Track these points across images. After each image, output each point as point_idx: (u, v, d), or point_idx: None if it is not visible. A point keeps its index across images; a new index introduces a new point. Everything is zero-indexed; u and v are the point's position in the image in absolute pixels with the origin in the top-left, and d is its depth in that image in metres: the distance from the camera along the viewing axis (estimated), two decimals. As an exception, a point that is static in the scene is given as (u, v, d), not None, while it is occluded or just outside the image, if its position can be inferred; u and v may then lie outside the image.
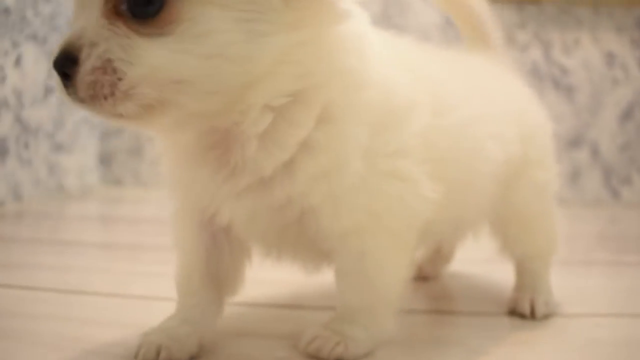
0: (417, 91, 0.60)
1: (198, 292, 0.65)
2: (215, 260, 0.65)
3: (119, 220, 1.55)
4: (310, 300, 0.83)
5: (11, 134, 1.58)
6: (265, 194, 0.55)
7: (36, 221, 1.44)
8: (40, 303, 0.79)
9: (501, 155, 0.70)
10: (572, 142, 2.00)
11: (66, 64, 0.47)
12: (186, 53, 0.46)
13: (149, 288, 0.85)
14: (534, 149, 0.77)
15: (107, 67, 0.46)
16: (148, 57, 0.46)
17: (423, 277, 0.97)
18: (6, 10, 1.51)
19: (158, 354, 0.58)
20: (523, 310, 0.78)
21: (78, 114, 1.88)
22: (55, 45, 0.49)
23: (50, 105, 1.73)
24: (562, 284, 0.90)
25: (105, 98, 0.46)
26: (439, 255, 0.97)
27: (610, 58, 1.98)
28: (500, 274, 0.90)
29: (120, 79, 0.46)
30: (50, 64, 0.48)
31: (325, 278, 0.70)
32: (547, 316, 0.78)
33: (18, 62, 1.56)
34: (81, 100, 0.47)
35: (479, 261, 0.99)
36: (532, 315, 0.77)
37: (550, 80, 1.99)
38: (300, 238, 0.60)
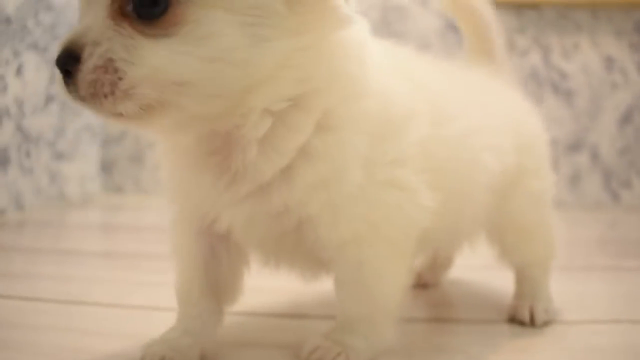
0: (416, 101, 0.60)
1: (198, 303, 0.65)
2: (214, 269, 0.65)
3: (120, 228, 1.55)
4: (311, 309, 0.83)
5: (12, 143, 1.58)
6: (264, 201, 0.55)
7: (37, 230, 1.44)
8: (41, 314, 0.79)
9: (498, 165, 0.70)
10: (572, 146, 2.00)
11: (68, 62, 0.47)
12: (189, 55, 0.46)
13: (150, 298, 0.85)
14: (529, 159, 0.78)
15: (108, 66, 0.46)
16: (150, 57, 0.46)
17: (423, 284, 0.97)
18: (7, 20, 1.52)
19: None
20: (523, 317, 0.78)
21: (79, 122, 1.88)
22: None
23: (51, 114, 1.74)
24: (562, 290, 0.91)
25: (106, 97, 0.46)
26: (439, 262, 0.98)
27: (609, 62, 1.99)
28: (500, 281, 0.90)
29: (120, 79, 0.46)
30: (53, 69, 0.49)
31: (324, 286, 0.70)
32: (546, 323, 0.78)
33: (19, 71, 1.57)
34: (82, 99, 0.47)
35: (479, 268, 0.99)
36: (532, 323, 0.78)
37: (549, 84, 2.00)
38: (298, 246, 0.60)
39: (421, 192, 0.59)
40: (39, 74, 1.64)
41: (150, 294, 0.88)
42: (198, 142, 0.55)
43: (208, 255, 0.65)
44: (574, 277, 1.07)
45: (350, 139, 0.55)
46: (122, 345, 0.67)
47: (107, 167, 2.08)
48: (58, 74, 0.49)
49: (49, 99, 1.71)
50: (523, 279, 0.83)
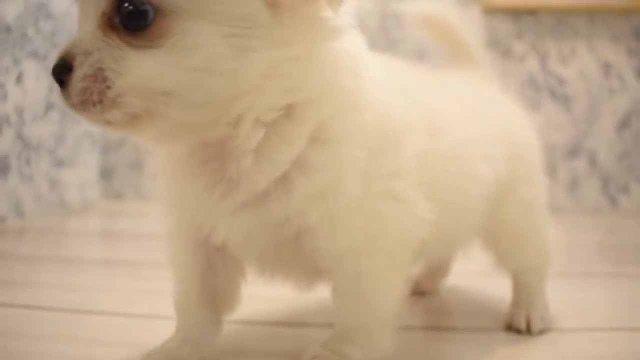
0: (412, 115, 0.61)
1: (196, 312, 0.65)
2: (211, 280, 0.66)
3: (120, 235, 1.56)
4: (309, 317, 0.83)
5: (13, 151, 1.59)
6: (262, 212, 0.56)
7: (38, 237, 1.45)
8: (44, 322, 0.80)
9: (491, 175, 0.71)
10: (570, 151, 2.01)
11: (62, 71, 0.49)
12: (173, 66, 0.47)
13: (151, 306, 0.86)
14: (522, 166, 0.79)
15: (97, 75, 0.47)
16: (136, 68, 0.47)
17: (420, 292, 0.97)
18: (7, 28, 1.53)
19: None
20: (519, 325, 0.79)
21: (79, 129, 1.89)
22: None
23: (52, 121, 1.74)
24: (561, 297, 0.91)
25: (94, 105, 0.48)
26: (436, 269, 0.98)
27: (606, 67, 1.99)
28: (497, 288, 0.90)
29: (108, 87, 0.47)
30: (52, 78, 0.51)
31: (322, 294, 0.70)
32: (543, 331, 0.79)
33: (19, 79, 1.58)
34: (73, 106, 0.49)
35: (476, 275, 0.99)
36: (528, 331, 0.78)
37: (547, 90, 2.01)
38: (295, 257, 0.60)
39: (418, 203, 0.60)
40: (39, 81, 1.65)
41: (152, 302, 0.88)
42: (193, 152, 0.56)
43: (205, 266, 0.65)
44: (573, 284, 1.07)
45: (348, 152, 0.55)
46: (123, 355, 0.67)
47: (106, 174, 2.09)
48: (56, 83, 0.51)
49: (49, 107, 1.71)
50: (519, 286, 0.84)
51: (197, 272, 0.65)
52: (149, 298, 0.91)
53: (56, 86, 0.50)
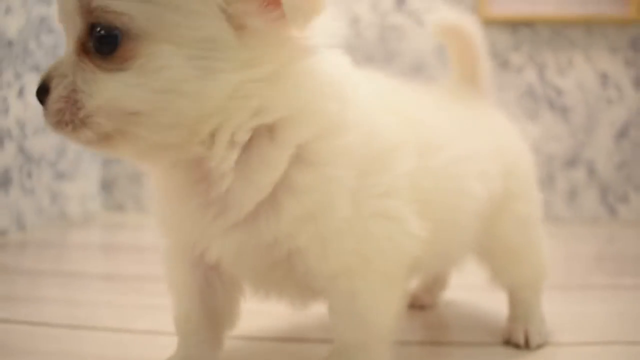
0: (401, 133, 0.61)
1: (197, 331, 0.66)
2: (210, 298, 0.67)
3: (122, 248, 1.56)
4: (309, 333, 0.84)
5: (14, 164, 1.60)
6: (252, 233, 0.56)
7: (39, 251, 1.45)
8: (46, 339, 0.80)
9: (485, 192, 0.72)
10: (569, 161, 2.02)
11: (41, 92, 0.51)
12: (140, 87, 0.48)
13: (154, 322, 0.86)
14: (516, 183, 0.79)
15: (70, 97, 0.50)
16: (105, 89, 0.49)
17: (420, 306, 0.98)
18: (9, 43, 1.55)
19: None
20: (517, 340, 0.79)
21: (80, 142, 1.90)
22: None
23: (53, 135, 1.75)
24: (559, 311, 0.92)
25: (67, 124, 0.50)
26: (435, 283, 0.99)
27: (604, 78, 2.01)
28: (495, 302, 0.91)
29: (79, 109, 0.50)
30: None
31: (323, 310, 0.70)
32: (541, 346, 0.80)
33: (21, 92, 1.59)
34: (51, 125, 0.51)
35: (475, 288, 0.99)
36: (527, 346, 0.79)
37: (545, 101, 2.02)
38: (288, 277, 0.61)
39: (411, 221, 0.60)
40: (41, 95, 1.66)
41: (154, 317, 0.89)
42: (182, 173, 0.56)
43: (203, 285, 0.66)
44: (572, 297, 1.08)
45: (334, 173, 0.55)
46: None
47: (107, 186, 2.10)
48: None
49: (50, 120, 1.72)
50: (515, 302, 0.85)
51: (195, 292, 0.66)
52: (152, 313, 0.92)
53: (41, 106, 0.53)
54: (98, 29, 0.48)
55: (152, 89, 0.48)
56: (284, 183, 0.54)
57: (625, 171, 2.01)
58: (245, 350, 0.77)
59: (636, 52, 2.00)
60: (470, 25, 0.89)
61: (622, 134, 2.01)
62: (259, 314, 0.73)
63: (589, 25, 1.99)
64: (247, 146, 0.53)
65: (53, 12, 1.70)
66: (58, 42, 1.72)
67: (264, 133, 0.53)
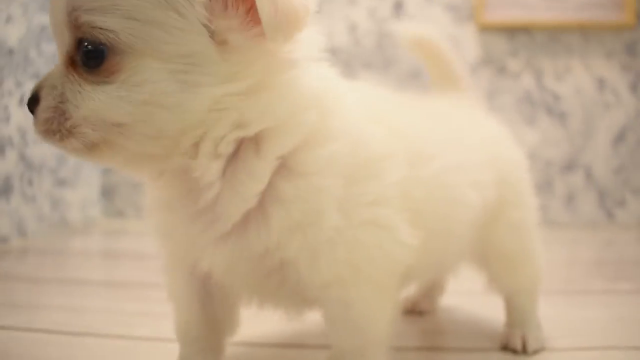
0: (390, 143, 0.62)
1: (198, 339, 0.67)
2: (209, 306, 0.68)
3: (123, 255, 1.57)
4: (309, 339, 0.85)
5: (15, 172, 1.61)
6: (243, 243, 0.57)
7: (40, 258, 1.46)
8: (47, 346, 0.81)
9: (479, 201, 0.72)
10: (567, 166, 2.03)
11: (32, 102, 0.53)
12: (124, 99, 0.50)
13: (155, 329, 0.87)
14: (510, 190, 0.80)
15: (58, 107, 0.52)
16: (91, 101, 0.51)
17: (419, 312, 0.99)
18: (10, 51, 1.56)
19: None
20: (515, 346, 0.80)
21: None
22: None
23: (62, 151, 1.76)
24: (557, 316, 0.93)
25: (54, 133, 0.52)
26: (432, 289, 1.00)
27: (601, 83, 2.02)
28: (493, 307, 0.91)
29: (67, 119, 0.51)
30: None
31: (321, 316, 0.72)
32: (538, 351, 0.80)
33: (22, 101, 1.60)
34: (39, 134, 0.53)
35: (472, 293, 1.00)
36: (524, 351, 0.80)
37: (543, 106, 2.03)
38: (282, 287, 0.61)
39: (402, 229, 0.61)
40: (41, 103, 1.67)
41: (156, 324, 0.89)
42: (170, 183, 0.58)
43: (202, 294, 0.67)
44: (570, 302, 1.08)
45: (322, 183, 0.56)
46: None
47: (107, 193, 2.11)
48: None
49: (51, 127, 1.73)
50: (512, 308, 0.86)
51: (194, 301, 0.67)
52: (154, 320, 0.92)
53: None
54: (85, 43, 0.50)
55: (135, 102, 0.50)
56: (272, 193, 0.55)
57: (622, 175, 2.02)
58: (246, 356, 0.78)
59: (632, 57, 2.01)
60: (437, 37, 0.90)
61: (619, 138, 2.02)
62: (259, 320, 0.74)
63: (585, 31, 2.01)
64: (234, 158, 0.55)
65: (53, 20, 1.71)
66: (58, 50, 1.73)
67: (250, 145, 0.55)
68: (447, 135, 0.73)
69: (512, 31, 2.02)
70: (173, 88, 0.50)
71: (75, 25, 0.50)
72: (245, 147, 0.55)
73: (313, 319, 0.77)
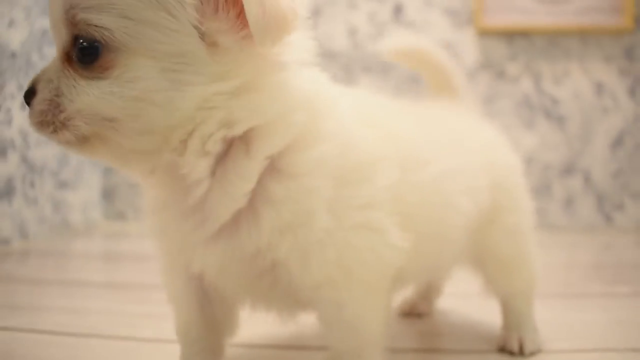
0: (382, 147, 0.63)
1: (198, 340, 0.68)
2: (208, 307, 0.69)
3: (124, 257, 1.58)
4: (309, 340, 0.85)
5: (17, 174, 1.62)
6: (234, 244, 0.58)
7: (42, 260, 1.47)
8: (49, 347, 0.82)
9: (473, 207, 0.73)
10: (565, 170, 2.04)
11: (28, 95, 0.55)
12: (116, 95, 0.52)
13: (157, 330, 0.88)
14: (505, 195, 0.80)
15: (53, 100, 0.53)
16: (84, 95, 0.52)
17: (417, 314, 1.00)
18: (13, 55, 1.57)
19: None
20: (512, 347, 0.81)
21: (82, 152, 1.92)
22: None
23: (55, 145, 1.77)
24: (555, 318, 0.94)
25: (48, 125, 0.54)
26: (430, 291, 1.01)
27: (599, 87, 2.03)
28: (490, 309, 0.92)
29: (61, 112, 0.53)
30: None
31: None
32: (534, 353, 0.81)
33: (24, 104, 1.60)
34: (34, 125, 0.55)
35: (469, 295, 1.00)
36: (521, 353, 0.81)
37: (541, 110, 2.04)
38: (274, 288, 0.62)
39: (392, 232, 0.61)
40: (43, 106, 1.68)
41: (158, 325, 0.90)
42: (161, 180, 0.58)
43: (200, 296, 0.68)
44: (569, 304, 1.09)
45: (312, 184, 0.57)
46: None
47: (108, 195, 2.12)
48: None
49: (52, 130, 1.74)
50: (508, 310, 0.87)
51: (193, 303, 0.68)
52: (155, 321, 0.93)
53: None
54: (81, 40, 0.52)
55: (127, 97, 0.52)
56: (262, 194, 0.56)
57: (621, 179, 2.03)
58: (246, 357, 0.79)
59: (630, 62, 2.02)
60: (426, 46, 0.91)
61: (617, 142, 2.03)
62: (259, 321, 0.75)
63: (584, 36, 2.02)
64: (225, 158, 0.56)
65: (55, 24, 1.72)
66: (60, 53, 1.74)
67: (241, 145, 0.56)
68: (442, 140, 0.74)
69: (511, 36, 2.03)
70: (163, 85, 0.52)
71: (72, 22, 0.52)
72: (236, 147, 0.56)
73: (313, 320, 0.78)
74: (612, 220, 2.03)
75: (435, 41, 2.04)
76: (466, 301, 1.04)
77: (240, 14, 0.52)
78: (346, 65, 2.03)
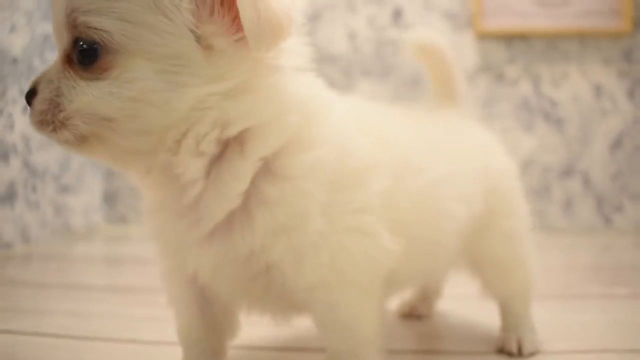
0: (377, 154, 0.63)
1: (199, 342, 0.69)
2: (208, 310, 0.70)
3: (125, 260, 1.58)
4: (309, 342, 0.86)
5: (19, 178, 1.63)
6: (228, 246, 0.59)
7: (44, 264, 1.48)
8: (52, 350, 0.82)
9: (466, 213, 0.74)
10: (565, 172, 2.05)
11: (29, 95, 0.57)
12: (114, 95, 0.53)
13: (160, 332, 0.88)
14: (499, 200, 0.81)
15: (53, 100, 0.55)
16: (83, 95, 0.54)
17: (417, 316, 1.01)
18: (14, 60, 1.58)
19: None
20: (510, 349, 0.82)
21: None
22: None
23: (57, 148, 1.78)
24: (554, 320, 0.94)
25: (48, 125, 0.55)
26: (430, 293, 1.01)
27: (598, 90, 2.04)
28: (489, 311, 0.93)
29: (60, 111, 0.54)
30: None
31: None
32: (533, 354, 0.82)
33: (26, 109, 1.61)
34: (34, 124, 0.56)
35: (469, 298, 1.01)
36: (520, 354, 0.81)
37: (540, 113, 2.05)
38: (268, 290, 0.63)
39: (384, 236, 0.62)
40: (45, 110, 1.69)
41: (160, 328, 0.90)
42: (157, 180, 0.59)
43: (200, 299, 0.69)
44: (568, 306, 1.10)
45: (306, 187, 0.58)
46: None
47: (109, 199, 2.13)
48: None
49: (54, 135, 1.75)
50: (506, 312, 0.87)
51: (193, 305, 0.69)
52: (158, 324, 0.93)
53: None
54: (81, 42, 0.53)
55: (124, 98, 0.53)
56: (256, 195, 0.57)
57: (620, 181, 2.04)
58: (247, 359, 0.79)
59: (629, 64, 2.03)
60: (443, 44, 0.92)
61: (616, 144, 2.04)
62: (260, 323, 0.75)
63: (583, 38, 2.03)
64: (220, 159, 0.57)
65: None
66: (62, 58, 1.75)
67: (236, 147, 0.57)
68: (436, 147, 0.74)
69: (510, 39, 2.04)
70: (160, 86, 0.53)
71: (73, 25, 0.53)
72: (232, 148, 0.57)
73: (310, 323, 0.78)
74: (611, 222, 2.04)
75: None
76: (465, 303, 1.04)
77: (236, 18, 0.53)
78: (346, 69, 2.04)
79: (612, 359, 0.82)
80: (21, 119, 1.61)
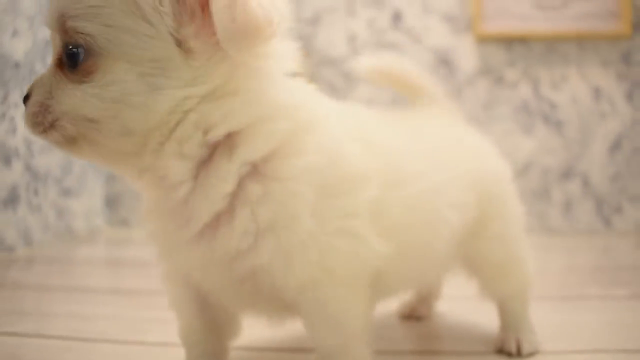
0: (368, 162, 0.64)
1: (200, 343, 0.70)
2: (209, 311, 0.70)
3: (128, 263, 1.59)
4: (310, 343, 0.86)
5: (22, 182, 1.64)
6: (215, 247, 0.59)
7: (47, 266, 1.48)
8: (56, 352, 0.83)
9: (458, 219, 0.74)
10: (564, 174, 2.05)
11: (26, 99, 0.59)
12: (96, 97, 0.55)
13: (164, 334, 0.88)
14: (493, 203, 0.81)
15: (44, 102, 0.57)
16: (70, 97, 0.55)
17: (417, 317, 1.01)
18: (16, 65, 1.59)
19: None
20: (509, 349, 0.83)
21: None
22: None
23: (59, 152, 1.79)
24: (553, 320, 0.95)
25: (39, 126, 0.57)
26: (429, 294, 1.02)
27: (597, 92, 2.05)
28: (488, 312, 0.93)
29: (50, 113, 0.56)
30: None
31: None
32: (532, 354, 0.83)
33: (28, 112, 1.63)
34: (26, 126, 0.58)
35: (468, 299, 1.01)
36: (519, 354, 0.82)
37: (540, 115, 2.06)
38: (257, 292, 0.63)
39: (372, 238, 0.63)
40: (47, 114, 1.70)
41: (163, 330, 0.90)
42: (149, 182, 0.60)
43: (199, 300, 0.69)
44: (568, 307, 1.10)
45: (297, 188, 0.58)
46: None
47: (111, 202, 2.14)
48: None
49: (56, 138, 1.76)
50: (504, 313, 0.88)
51: (192, 306, 0.70)
52: (161, 326, 0.93)
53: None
54: (69, 46, 0.55)
55: (106, 99, 0.54)
56: (241, 196, 0.58)
57: (619, 183, 2.05)
58: (249, 360, 0.80)
59: (628, 67, 2.04)
60: (397, 63, 0.92)
61: (615, 146, 2.05)
62: (261, 324, 0.76)
63: (582, 41, 2.03)
64: (208, 161, 0.58)
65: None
66: (64, 62, 1.76)
67: (225, 150, 0.58)
68: (428, 153, 0.74)
69: (509, 42, 2.05)
70: (140, 89, 0.54)
71: (62, 29, 0.55)
72: (221, 151, 0.57)
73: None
74: (610, 224, 2.05)
75: (434, 48, 2.07)
76: (464, 304, 1.05)
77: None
78: (345, 71, 2.05)
79: (611, 359, 0.82)
80: (23, 123, 1.61)
